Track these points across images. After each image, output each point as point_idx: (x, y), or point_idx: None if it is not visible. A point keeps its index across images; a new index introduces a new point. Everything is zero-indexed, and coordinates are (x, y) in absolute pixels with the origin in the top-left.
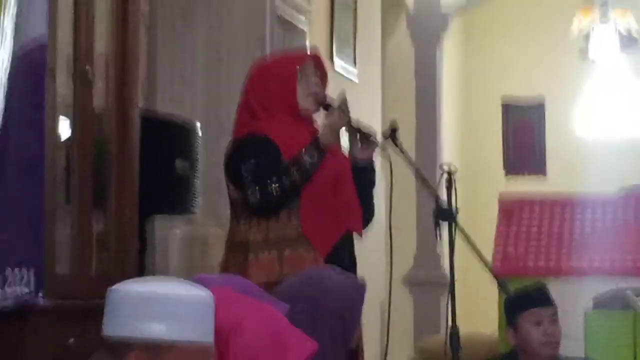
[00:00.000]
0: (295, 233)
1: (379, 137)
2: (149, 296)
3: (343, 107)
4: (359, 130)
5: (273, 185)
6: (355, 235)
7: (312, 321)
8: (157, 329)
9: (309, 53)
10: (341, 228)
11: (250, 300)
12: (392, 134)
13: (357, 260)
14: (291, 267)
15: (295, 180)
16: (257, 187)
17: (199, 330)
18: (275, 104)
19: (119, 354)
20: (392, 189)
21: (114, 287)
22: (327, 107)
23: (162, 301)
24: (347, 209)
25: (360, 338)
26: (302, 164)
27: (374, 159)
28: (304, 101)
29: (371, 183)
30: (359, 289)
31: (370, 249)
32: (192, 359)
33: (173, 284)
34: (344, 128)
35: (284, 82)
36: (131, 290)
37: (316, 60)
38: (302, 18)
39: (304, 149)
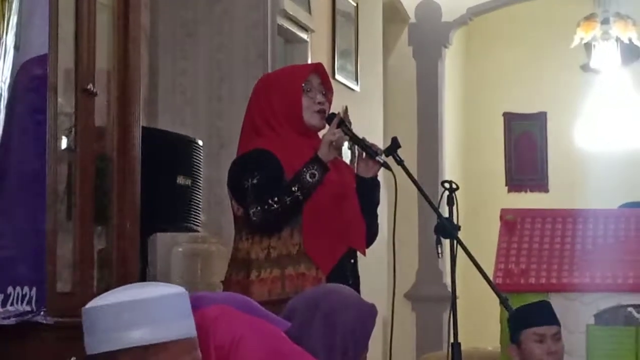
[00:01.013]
0: (297, 250)
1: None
2: (123, 305)
3: (343, 122)
4: (364, 147)
5: (275, 205)
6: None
7: (327, 332)
8: (138, 335)
9: (311, 64)
10: (343, 246)
11: (251, 318)
12: (394, 150)
13: (360, 276)
14: (293, 285)
15: (297, 198)
16: (258, 207)
17: (182, 327)
18: (280, 120)
19: None
20: (396, 205)
21: (86, 306)
22: (331, 121)
23: (137, 307)
24: (350, 226)
25: None
26: (303, 182)
27: (378, 176)
28: (310, 117)
29: (375, 200)
30: (372, 311)
31: (372, 265)
32: (179, 355)
33: (142, 288)
34: (346, 144)
35: (288, 98)
36: (104, 304)
37: (320, 71)
38: (304, 34)
39: (304, 167)
